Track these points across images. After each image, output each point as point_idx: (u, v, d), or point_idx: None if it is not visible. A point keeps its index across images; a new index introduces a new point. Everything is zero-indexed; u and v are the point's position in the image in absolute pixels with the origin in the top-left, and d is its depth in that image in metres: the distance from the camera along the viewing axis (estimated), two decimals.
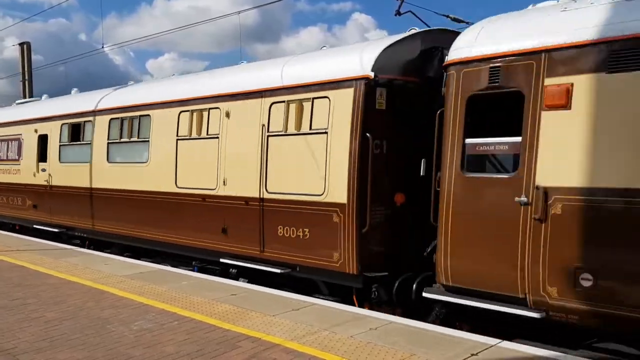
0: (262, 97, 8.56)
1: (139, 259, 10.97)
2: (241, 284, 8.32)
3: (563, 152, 5.60)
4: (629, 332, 5.40)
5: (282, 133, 8.22)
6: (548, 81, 5.74)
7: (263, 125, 8.47)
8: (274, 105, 8.36)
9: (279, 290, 7.80)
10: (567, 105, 5.60)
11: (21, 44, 26.67)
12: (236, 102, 9.00)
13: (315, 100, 7.83)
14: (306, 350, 5.21)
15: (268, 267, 8.43)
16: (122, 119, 11.36)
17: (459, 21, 9.68)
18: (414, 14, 9.28)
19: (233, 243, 9.02)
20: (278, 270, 8.26)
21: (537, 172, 5.76)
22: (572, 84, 5.59)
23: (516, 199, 5.85)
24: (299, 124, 8.02)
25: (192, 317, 6.38)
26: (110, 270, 9.26)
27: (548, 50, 5.73)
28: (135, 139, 11.10)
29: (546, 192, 5.66)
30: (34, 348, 5.33)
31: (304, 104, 7.98)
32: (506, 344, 5.42)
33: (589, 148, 5.43)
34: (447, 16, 9.81)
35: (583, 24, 5.58)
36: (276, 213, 8.31)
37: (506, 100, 6.11)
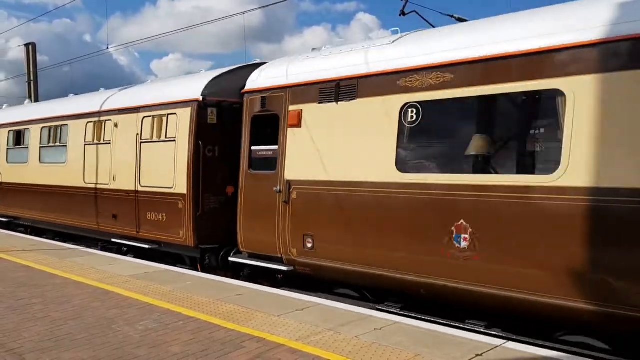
0: (137, 112, 11.15)
1: (65, 242, 13.46)
2: (246, 284, 8.34)
3: (297, 156, 8.25)
4: (340, 278, 7.95)
5: (149, 140, 10.77)
6: (290, 107, 8.40)
7: (137, 134, 11.02)
8: (145, 119, 10.91)
9: (283, 291, 7.83)
10: (299, 124, 8.25)
11: (27, 45, 26.75)
12: (122, 116, 11.60)
13: (169, 115, 10.33)
14: (311, 351, 5.21)
15: (141, 244, 10.95)
16: (50, 128, 14.09)
17: (464, 21, 9.65)
18: (418, 14, 9.26)
19: (120, 226, 11.52)
20: (147, 246, 10.85)
21: (285, 170, 8.37)
22: (301, 110, 8.27)
23: (274, 188, 8.44)
24: (159, 133, 10.53)
25: (197, 317, 6.39)
26: (115, 270, 9.29)
27: (290, 87, 8.46)
28: (58, 144, 13.79)
29: (289, 183, 8.25)
30: (40, 348, 5.35)
31: (162, 118, 10.48)
32: (511, 345, 5.41)
33: (311, 153, 8.04)
34: (452, 16, 9.77)
35: (308, 69, 8.35)
36: (146, 202, 10.79)
37: (271, 120, 8.70)
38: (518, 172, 6.21)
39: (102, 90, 14.17)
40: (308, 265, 8.07)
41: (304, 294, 7.72)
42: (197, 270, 9.81)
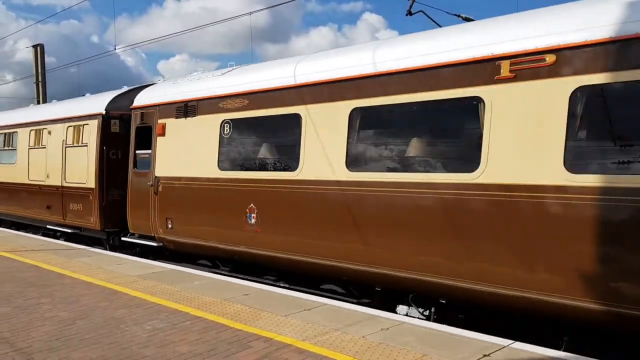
0: (64, 122, 13.83)
1: (19, 230, 16.05)
2: (253, 284, 8.35)
3: (162, 158, 10.76)
4: (193, 251, 10.43)
5: (71, 145, 13.42)
6: (159, 121, 10.93)
7: (63, 140, 13.72)
8: (68, 128, 13.59)
9: (291, 291, 7.83)
10: (164, 134, 10.76)
11: (35, 46, 26.89)
12: (54, 125, 14.29)
13: (84, 125, 12.96)
14: (318, 351, 5.21)
15: (66, 229, 13.79)
16: (5, 134, 17.19)
17: (470, 20, 9.63)
18: (425, 13, 9.25)
19: (52, 215, 14.21)
20: (70, 231, 13.70)
21: (156, 169, 10.87)
22: (165, 123, 10.74)
23: (148, 183, 10.96)
24: (77, 140, 13.17)
25: (204, 317, 6.41)
26: (123, 270, 9.33)
27: (158, 105, 11.05)
28: (10, 147, 16.78)
29: (158, 179, 10.74)
30: (48, 347, 5.38)
31: (80, 127, 13.13)
32: (519, 345, 5.39)
33: (170, 156, 10.60)
34: (459, 16, 9.76)
35: (170, 92, 10.96)
36: (69, 195, 13.48)
37: (148, 130, 11.28)
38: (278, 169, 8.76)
39: (54, 101, 17.51)
40: (170, 241, 10.72)
41: (311, 294, 7.72)
42: (105, 249, 12.51)
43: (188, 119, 10.21)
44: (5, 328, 6.03)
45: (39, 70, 26.31)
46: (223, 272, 9.72)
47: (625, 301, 5.16)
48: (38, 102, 24.12)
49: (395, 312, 7.17)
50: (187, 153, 10.18)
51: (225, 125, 9.45)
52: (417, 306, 7.21)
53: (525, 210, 5.80)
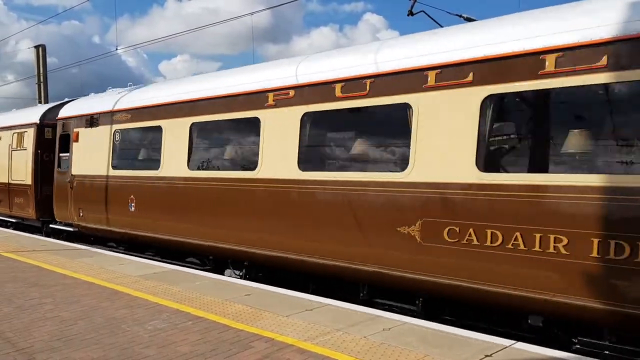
0: (11, 129, 16.61)
1: None
2: (254, 284, 8.34)
3: (76, 159, 13.36)
4: (100, 235, 12.96)
5: (16, 149, 16.19)
6: (74, 129, 13.57)
7: (9, 144, 16.56)
8: (14, 134, 16.34)
9: (292, 291, 7.82)
10: (77, 140, 13.42)
11: (36, 47, 26.87)
12: (4, 132, 17.02)
13: (25, 132, 15.76)
14: (319, 351, 5.21)
15: (13, 219, 16.86)
16: None
17: (472, 20, 9.61)
18: (426, 14, 9.23)
19: (2, 208, 17.07)
20: (14, 220, 16.84)
21: (72, 168, 13.47)
22: (78, 132, 13.41)
23: (67, 180, 13.67)
24: (20, 144, 15.90)
25: (205, 317, 6.40)
26: (124, 270, 9.33)
27: (73, 117, 13.73)
28: None
29: (73, 176, 13.31)
30: (50, 347, 5.38)
31: (22, 134, 15.88)
32: (521, 345, 5.38)
33: (81, 158, 13.23)
34: (460, 16, 9.75)
35: (82, 107, 13.80)
36: (14, 191, 16.21)
37: (68, 137, 13.88)
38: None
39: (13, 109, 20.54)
40: (83, 227, 13.28)
41: (313, 295, 7.71)
42: (41, 235, 15.11)
43: (93, 128, 12.98)
44: (7, 328, 6.03)
45: (41, 71, 26.30)
46: (119, 251, 12.34)
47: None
48: (39, 102, 24.15)
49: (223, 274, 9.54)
50: (92, 155, 12.86)
51: (116, 133, 12.23)
52: (234, 269, 9.71)
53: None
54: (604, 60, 5.37)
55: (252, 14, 13.76)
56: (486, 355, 5.06)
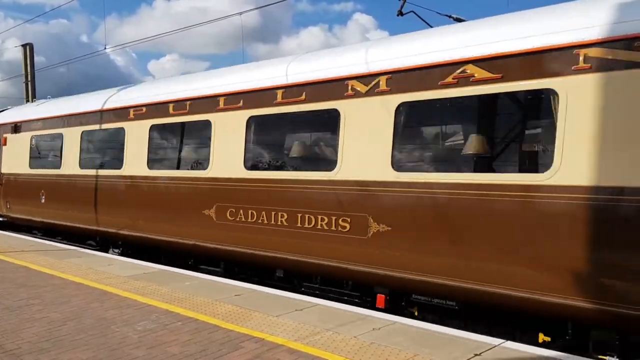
0: None
1: None
2: (244, 284, 8.33)
3: (5, 160, 16.11)
4: (26, 224, 15.40)
5: None
6: (3, 135, 16.00)
7: None
8: None
9: (282, 291, 7.83)
10: (6, 144, 15.93)
11: (24, 46, 26.58)
12: None
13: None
14: (310, 351, 5.21)
15: None
16: None
17: (461, 21, 9.65)
18: (416, 14, 9.26)
19: None
20: None
21: (2, 167, 15.92)
22: (7, 137, 15.90)
23: None
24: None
25: (195, 317, 6.39)
26: (113, 270, 9.28)
27: (3, 124, 16.24)
28: None
29: (2, 174, 16.06)
30: (38, 348, 5.34)
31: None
32: (510, 344, 5.42)
33: (9, 159, 16.01)
34: (450, 16, 9.79)
35: (10, 116, 16.48)
36: None
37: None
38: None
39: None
40: (11, 217, 15.74)
41: (303, 295, 7.72)
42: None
43: (17, 134, 15.45)
44: None
45: (28, 70, 26.04)
46: (36, 235, 14.82)
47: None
48: (27, 102, 23.93)
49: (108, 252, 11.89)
50: (17, 157, 15.30)
51: (33, 139, 14.76)
52: (114, 248, 12.22)
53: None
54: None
55: (240, 13, 13.67)
56: (475, 354, 5.10)
